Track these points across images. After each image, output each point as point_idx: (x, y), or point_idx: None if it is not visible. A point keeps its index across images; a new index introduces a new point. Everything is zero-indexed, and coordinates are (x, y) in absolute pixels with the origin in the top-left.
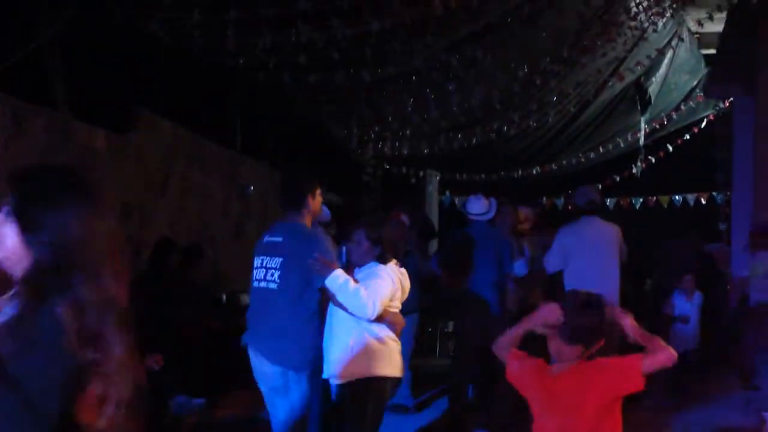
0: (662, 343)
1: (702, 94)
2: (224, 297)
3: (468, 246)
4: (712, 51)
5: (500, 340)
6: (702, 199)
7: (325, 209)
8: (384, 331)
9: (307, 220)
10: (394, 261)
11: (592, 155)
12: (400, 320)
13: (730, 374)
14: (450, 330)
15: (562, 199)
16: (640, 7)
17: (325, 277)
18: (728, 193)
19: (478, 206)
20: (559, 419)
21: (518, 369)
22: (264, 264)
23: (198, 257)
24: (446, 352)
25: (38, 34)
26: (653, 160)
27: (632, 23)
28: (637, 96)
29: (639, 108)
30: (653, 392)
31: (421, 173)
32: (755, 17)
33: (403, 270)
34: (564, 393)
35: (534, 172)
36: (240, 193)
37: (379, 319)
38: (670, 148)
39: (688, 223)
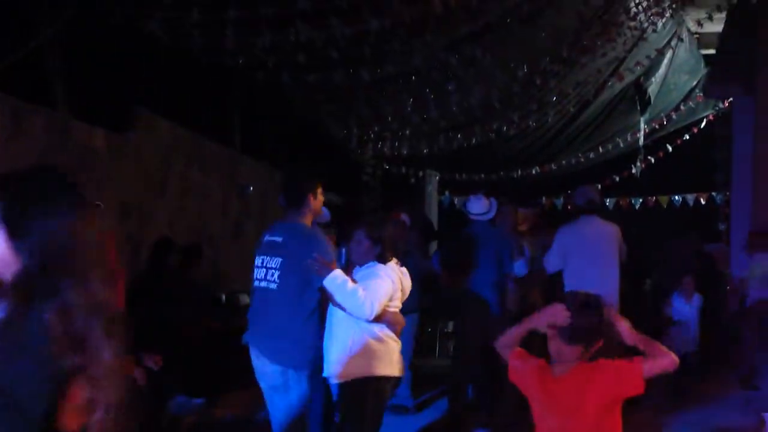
0: (663, 348)
1: (701, 95)
2: (223, 297)
3: (469, 246)
4: (712, 51)
5: (502, 338)
6: (701, 200)
7: (325, 210)
8: (383, 331)
9: (308, 220)
10: (394, 260)
11: (591, 155)
12: (400, 320)
13: (730, 374)
14: (449, 330)
15: (562, 199)
16: (640, 7)
17: (323, 277)
18: (728, 193)
19: (479, 206)
20: (559, 420)
21: (520, 368)
22: (264, 264)
23: (197, 257)
24: (446, 352)
25: (38, 34)
26: (653, 161)
27: (632, 23)
28: (637, 96)
29: (638, 108)
30: (653, 393)
31: (421, 173)
32: (755, 17)
33: (404, 269)
34: (565, 394)
35: (533, 172)
36: (239, 192)
37: (378, 318)
38: (670, 149)
39: (687, 224)
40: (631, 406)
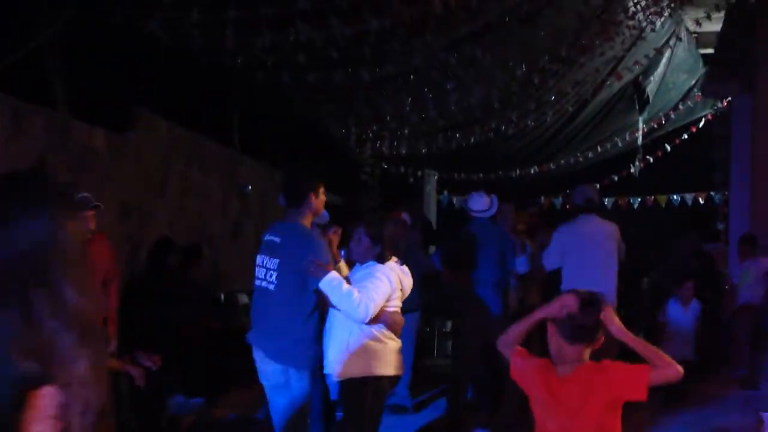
0: (667, 357)
1: (700, 94)
2: (223, 297)
3: (470, 243)
4: (710, 50)
5: (504, 336)
6: (700, 199)
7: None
8: (381, 331)
9: (308, 219)
10: (394, 259)
11: (590, 155)
12: (400, 319)
13: (730, 374)
14: (448, 330)
15: (561, 198)
16: (639, 6)
17: (319, 279)
18: (726, 192)
19: (480, 203)
20: (561, 421)
21: (522, 367)
22: (264, 264)
23: (197, 257)
24: (444, 351)
25: (38, 34)
26: (651, 160)
27: (630, 23)
28: (635, 95)
29: (637, 107)
30: (652, 393)
31: (419, 173)
32: (753, 17)
33: (405, 268)
34: (568, 395)
35: (532, 171)
36: (239, 192)
37: (375, 319)
38: (668, 148)
39: (686, 223)
40: (630, 406)
